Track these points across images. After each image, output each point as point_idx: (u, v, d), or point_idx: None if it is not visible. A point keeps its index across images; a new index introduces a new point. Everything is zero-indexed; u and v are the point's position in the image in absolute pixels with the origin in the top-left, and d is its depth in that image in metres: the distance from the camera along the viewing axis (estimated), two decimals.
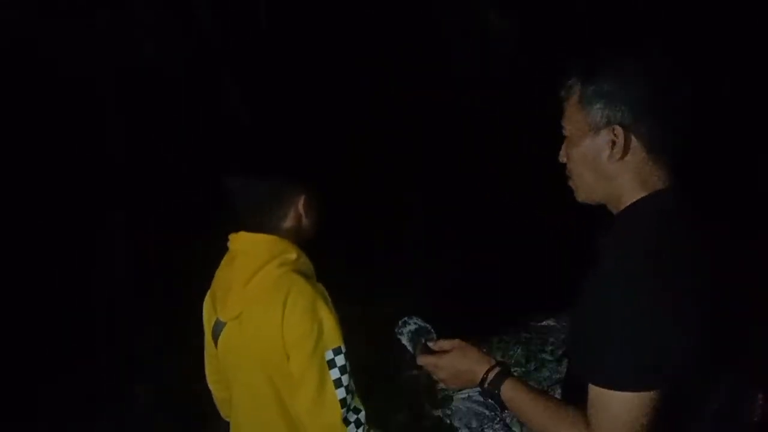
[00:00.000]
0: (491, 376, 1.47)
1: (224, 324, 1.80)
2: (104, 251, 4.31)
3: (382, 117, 4.98)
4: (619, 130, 1.33)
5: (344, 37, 4.97)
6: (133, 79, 4.20)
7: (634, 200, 1.36)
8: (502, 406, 1.47)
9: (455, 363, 1.53)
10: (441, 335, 1.62)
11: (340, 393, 1.67)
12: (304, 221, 1.79)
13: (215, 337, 1.84)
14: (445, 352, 1.56)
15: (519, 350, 4.10)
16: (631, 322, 1.22)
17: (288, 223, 1.77)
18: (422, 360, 1.58)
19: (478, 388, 1.52)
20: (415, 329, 1.65)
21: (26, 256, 4.14)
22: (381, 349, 3.84)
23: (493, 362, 1.50)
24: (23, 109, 4.12)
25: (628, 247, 1.31)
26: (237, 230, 1.80)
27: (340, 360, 1.69)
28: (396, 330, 1.69)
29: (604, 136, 1.35)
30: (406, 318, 1.68)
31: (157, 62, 4.26)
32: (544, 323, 4.38)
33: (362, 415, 1.72)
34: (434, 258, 4.80)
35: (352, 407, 1.70)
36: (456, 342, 1.56)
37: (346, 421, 1.68)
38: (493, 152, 4.88)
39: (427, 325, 1.66)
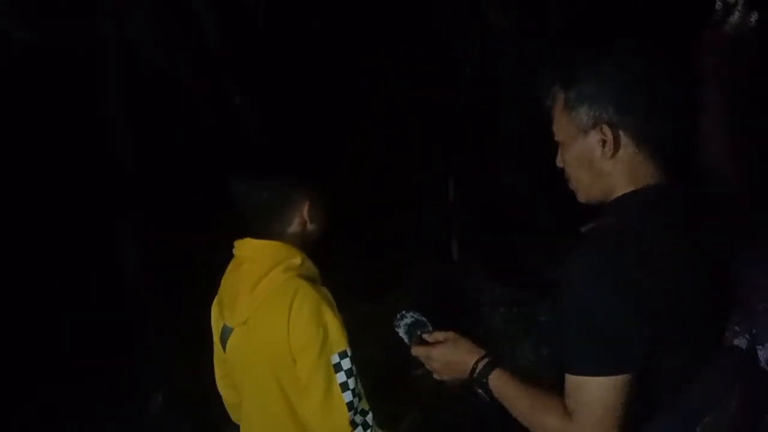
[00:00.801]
0: (480, 366, 1.50)
1: (232, 329, 1.82)
2: (119, 255, 4.33)
3: (382, 117, 4.99)
4: (606, 128, 1.36)
5: (344, 36, 4.98)
6: (137, 81, 4.21)
7: (620, 194, 1.40)
8: (491, 397, 1.48)
9: (447, 353, 1.56)
10: (437, 328, 1.65)
11: (347, 396, 1.69)
12: (309, 226, 1.81)
13: (223, 343, 1.86)
14: (439, 343, 1.59)
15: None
16: (592, 311, 1.26)
17: (293, 228, 1.79)
18: (416, 351, 1.61)
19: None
20: (412, 322, 1.68)
21: (42, 259, 4.18)
22: (389, 348, 3.86)
23: (483, 353, 1.52)
24: (28, 112, 4.15)
25: (598, 237, 1.35)
26: (243, 236, 1.82)
27: (346, 363, 1.70)
28: (394, 323, 1.71)
29: (594, 137, 1.38)
30: (403, 311, 1.71)
31: (159, 64, 4.27)
32: None
33: (369, 418, 1.74)
34: (442, 256, 4.81)
35: (359, 410, 1.72)
36: (450, 334, 1.59)
37: (353, 424, 1.70)
38: (495, 150, 4.88)
39: (424, 319, 1.68)
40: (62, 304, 4.10)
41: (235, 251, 1.85)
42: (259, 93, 4.65)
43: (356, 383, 1.72)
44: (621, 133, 1.37)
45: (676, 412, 1.33)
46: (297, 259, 1.76)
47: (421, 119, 4.91)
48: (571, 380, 1.30)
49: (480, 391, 1.50)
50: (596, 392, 1.26)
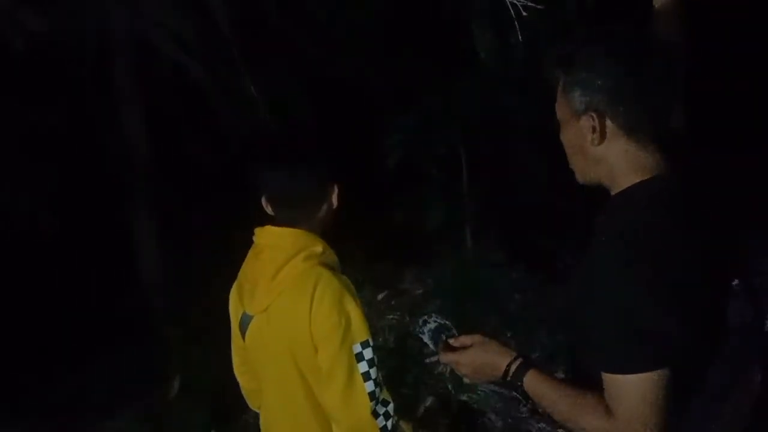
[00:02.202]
0: (513, 368, 1.48)
1: (252, 317, 1.81)
2: (134, 244, 4.36)
3: (399, 108, 4.97)
4: (595, 115, 1.37)
5: (356, 29, 4.96)
6: (151, 74, 4.22)
7: (628, 185, 1.40)
8: (527, 398, 1.48)
9: (477, 358, 1.54)
10: (461, 331, 1.62)
11: (369, 386, 1.68)
12: (332, 211, 1.81)
13: (243, 330, 1.86)
14: (466, 347, 1.57)
15: None
16: (627, 308, 1.27)
17: (321, 213, 1.79)
18: (444, 357, 1.59)
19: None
20: (435, 327, 1.64)
21: (58, 251, 4.21)
22: (404, 335, 3.87)
23: (515, 354, 1.50)
24: (41, 105, 4.16)
25: (621, 234, 1.35)
26: (262, 224, 1.80)
27: (368, 353, 1.70)
28: (416, 329, 1.68)
29: (585, 122, 1.40)
30: (425, 316, 1.67)
31: (174, 57, 4.27)
32: None
33: (391, 407, 1.73)
34: (456, 243, 4.79)
35: (380, 400, 1.71)
36: (477, 337, 1.57)
37: (375, 414, 1.69)
38: (514, 140, 4.85)
39: (447, 322, 1.65)
40: (79, 292, 4.13)
41: (255, 239, 1.84)
42: (273, 87, 4.64)
43: (378, 373, 1.71)
44: (609, 121, 1.37)
45: (702, 393, 1.36)
46: (318, 247, 1.75)
47: (437, 107, 4.87)
48: (611, 379, 1.30)
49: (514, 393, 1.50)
50: (637, 389, 1.27)
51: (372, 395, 1.68)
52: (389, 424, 1.72)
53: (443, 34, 5.03)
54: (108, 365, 3.81)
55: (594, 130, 1.38)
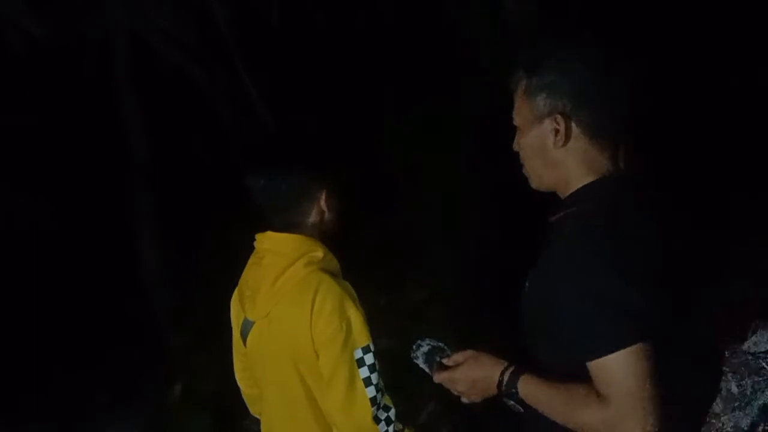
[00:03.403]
0: (506, 377, 1.46)
1: (253, 323, 1.81)
2: (136, 248, 4.36)
3: (401, 110, 4.98)
4: (560, 118, 1.40)
5: (357, 30, 4.97)
6: (150, 74, 4.22)
7: (582, 185, 1.44)
8: (525, 407, 1.45)
9: (470, 373, 1.52)
10: (455, 350, 1.60)
11: (370, 391, 1.68)
12: (327, 216, 1.79)
13: (244, 336, 1.86)
14: (459, 365, 1.55)
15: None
16: (600, 291, 1.30)
17: (312, 219, 1.77)
18: (438, 377, 1.57)
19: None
20: (429, 350, 1.63)
21: (60, 255, 4.21)
22: (405, 340, 3.85)
23: (506, 363, 1.49)
24: (41, 106, 4.17)
25: (582, 224, 1.39)
26: (263, 229, 1.81)
27: (369, 358, 1.70)
28: (411, 355, 1.66)
29: (548, 125, 1.43)
30: (419, 341, 1.66)
31: (173, 57, 4.28)
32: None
33: (392, 413, 1.73)
34: (459, 246, 4.79)
35: (382, 405, 1.71)
36: (469, 353, 1.55)
37: (376, 419, 1.69)
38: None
39: (440, 344, 1.63)
40: (81, 296, 4.14)
41: (256, 244, 1.84)
42: (273, 87, 4.65)
43: (379, 378, 1.71)
44: (574, 124, 1.41)
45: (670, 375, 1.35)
46: (319, 252, 1.75)
47: (440, 110, 4.88)
48: (595, 365, 1.31)
49: (512, 402, 1.47)
50: (623, 367, 1.28)
51: (373, 401, 1.68)
52: (391, 429, 1.72)
53: (444, 35, 5.04)
54: (109, 370, 3.80)
55: (557, 132, 1.41)
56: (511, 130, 1.56)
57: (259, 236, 1.82)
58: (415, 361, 1.66)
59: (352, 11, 4.92)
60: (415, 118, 4.98)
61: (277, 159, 1.79)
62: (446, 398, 3.44)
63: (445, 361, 1.59)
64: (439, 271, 4.47)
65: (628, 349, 1.27)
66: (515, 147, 1.54)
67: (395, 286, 4.33)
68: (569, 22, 4.62)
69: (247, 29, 4.48)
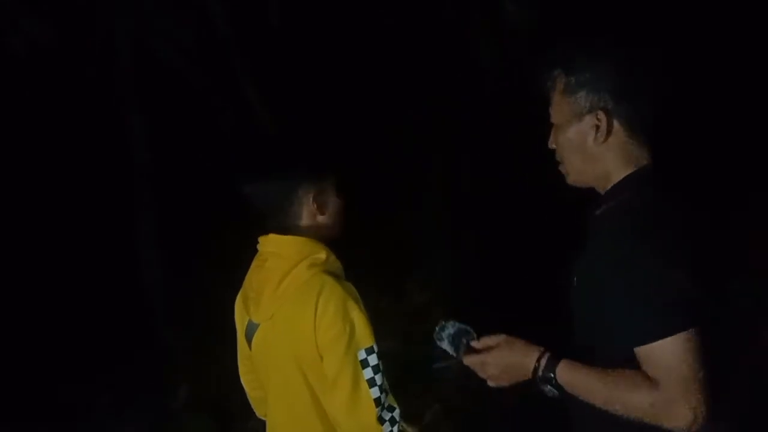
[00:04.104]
0: (543, 362, 1.46)
1: (257, 325, 1.82)
2: (139, 252, 4.37)
3: (401, 112, 4.99)
4: (602, 114, 1.44)
5: (356, 33, 4.98)
6: (149, 79, 4.24)
7: (621, 177, 1.47)
8: (560, 392, 1.45)
9: (503, 357, 1.52)
10: (481, 335, 1.60)
11: (374, 392, 1.68)
12: (320, 218, 1.78)
13: (249, 338, 1.86)
14: (490, 348, 1.55)
15: None
16: (651, 274, 1.33)
17: (305, 221, 1.77)
18: (468, 360, 1.56)
19: None
20: (455, 332, 1.62)
21: (63, 257, 4.23)
22: (411, 340, 3.87)
23: (542, 349, 1.48)
24: (43, 110, 4.19)
25: (627, 212, 1.43)
26: (266, 232, 1.81)
27: (373, 359, 1.69)
28: (435, 336, 1.65)
29: (588, 122, 1.46)
30: (443, 322, 1.65)
31: (173, 62, 4.29)
32: None
33: (396, 413, 1.73)
34: (461, 248, 4.80)
35: (386, 406, 1.71)
36: (501, 337, 1.55)
37: (380, 420, 1.69)
38: (517, 144, 4.86)
39: (466, 326, 1.62)
40: (85, 300, 4.15)
41: (259, 247, 1.84)
42: (271, 89, 4.66)
43: (383, 379, 1.71)
44: (614, 120, 1.45)
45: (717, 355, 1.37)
46: (322, 254, 1.75)
47: (438, 112, 4.89)
48: (646, 350, 1.33)
49: (548, 387, 1.47)
50: (674, 351, 1.31)
51: (377, 401, 1.68)
52: (395, 429, 1.71)
53: (446, 38, 5.05)
54: (114, 374, 3.81)
55: (598, 128, 1.45)
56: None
57: (261, 239, 1.82)
58: (438, 342, 1.65)
59: (352, 12, 4.93)
60: (417, 119, 4.98)
61: (262, 164, 1.80)
62: (450, 400, 3.47)
63: (473, 343, 1.58)
64: (441, 273, 4.49)
65: (680, 335, 1.30)
66: (551, 145, 1.56)
67: (397, 289, 4.34)
68: (569, 23, 4.62)
69: (247, 30, 4.50)
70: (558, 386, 1.44)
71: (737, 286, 1.58)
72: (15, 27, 3.57)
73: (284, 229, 1.77)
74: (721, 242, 1.55)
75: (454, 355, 1.61)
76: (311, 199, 1.76)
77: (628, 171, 1.47)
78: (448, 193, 5.01)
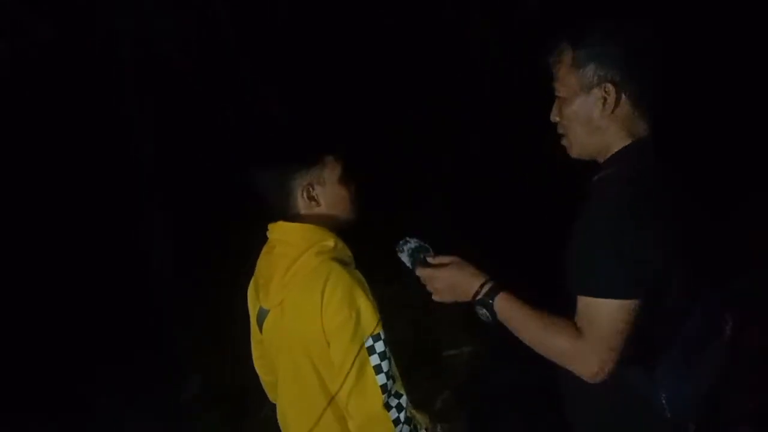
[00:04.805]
0: (486, 288, 1.54)
1: (267, 311, 1.84)
2: (147, 244, 4.39)
3: (401, 112, 5.01)
4: (610, 87, 1.49)
5: (356, 33, 5.00)
6: (156, 74, 4.26)
7: (620, 147, 1.52)
8: (493, 319, 1.53)
9: (452, 275, 1.61)
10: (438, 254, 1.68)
11: (381, 379, 1.69)
12: (317, 208, 1.80)
13: (260, 324, 1.89)
14: (443, 265, 1.63)
15: None
16: (617, 238, 1.39)
17: (304, 210, 1.79)
18: (420, 272, 1.65)
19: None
20: (416, 247, 1.72)
21: (74, 253, 4.26)
22: (421, 329, 3.89)
23: (488, 277, 1.57)
24: (51, 108, 4.22)
25: (617, 180, 1.47)
26: (275, 219, 1.83)
27: (380, 346, 1.70)
28: (396, 248, 1.75)
29: (596, 94, 1.51)
30: (406, 237, 1.75)
31: (176, 57, 4.31)
32: None
33: (404, 400, 1.74)
34: (471, 238, 4.81)
35: (393, 392, 1.72)
36: (455, 258, 1.64)
37: (387, 406, 1.70)
38: (517, 144, 4.88)
39: (426, 245, 1.72)
40: (95, 295, 4.17)
41: (268, 234, 1.87)
42: (278, 85, 4.68)
43: (390, 366, 1.72)
44: (622, 93, 1.49)
45: (679, 340, 1.48)
46: (330, 241, 1.77)
47: (442, 105, 4.91)
48: (588, 302, 1.41)
49: (483, 311, 1.55)
50: (609, 313, 1.37)
51: (384, 388, 1.69)
52: (402, 416, 1.72)
53: (446, 38, 5.07)
54: (125, 365, 3.82)
55: (605, 101, 1.49)
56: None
57: (270, 226, 1.84)
58: (399, 254, 1.74)
59: (352, 12, 4.96)
60: (417, 119, 4.99)
61: (259, 153, 1.84)
62: (461, 387, 3.48)
63: (429, 259, 1.67)
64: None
65: (623, 301, 1.37)
66: (554, 118, 1.61)
67: (410, 279, 4.34)
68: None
69: (247, 30, 4.52)
70: (493, 313, 1.52)
71: (715, 277, 1.64)
72: (15, 27, 3.60)
73: (294, 217, 1.80)
74: (711, 230, 1.61)
75: (410, 267, 1.71)
76: (303, 187, 1.77)
77: (627, 141, 1.53)
78: (459, 184, 5.02)
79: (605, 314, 1.38)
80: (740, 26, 5.03)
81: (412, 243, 1.73)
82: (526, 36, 5.00)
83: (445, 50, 5.16)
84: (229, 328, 2.63)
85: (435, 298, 1.64)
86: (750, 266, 3.45)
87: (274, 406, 2.05)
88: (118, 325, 4.04)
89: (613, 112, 1.51)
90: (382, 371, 1.69)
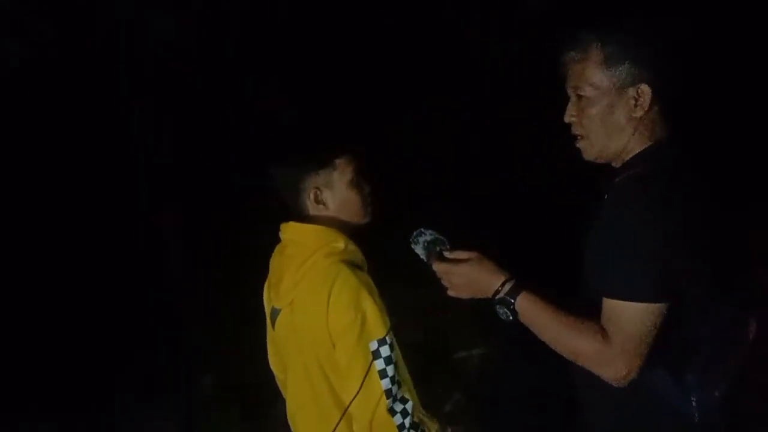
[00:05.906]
0: (507, 287, 1.49)
1: (279, 310, 1.84)
2: (164, 244, 4.39)
3: (401, 112, 5.01)
4: (646, 88, 1.42)
5: (356, 33, 5.00)
6: (168, 75, 4.26)
7: (640, 149, 1.47)
8: (514, 318, 1.49)
9: (471, 271, 1.54)
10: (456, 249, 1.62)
11: (385, 384, 1.67)
12: (326, 210, 1.79)
13: (273, 322, 1.89)
14: (462, 260, 1.57)
15: None
16: (644, 241, 1.35)
17: (312, 211, 1.79)
18: (438, 266, 1.59)
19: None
20: (431, 239, 1.65)
21: (90, 254, 4.26)
22: (433, 331, 3.88)
23: (510, 275, 1.52)
24: (62, 108, 4.21)
25: (642, 181, 1.42)
26: (287, 219, 1.83)
27: (385, 351, 1.68)
28: (410, 239, 1.68)
29: (630, 93, 1.43)
30: (421, 228, 1.67)
31: (177, 57, 4.31)
32: None
33: (409, 405, 1.72)
34: (484, 241, 4.81)
35: (398, 397, 1.70)
36: (474, 253, 1.57)
37: (392, 411, 1.68)
38: (517, 144, 4.88)
39: (443, 237, 1.65)
40: (111, 295, 4.18)
41: (280, 234, 1.87)
42: (269, 90, 4.67)
43: (395, 371, 1.70)
44: (653, 92, 1.43)
45: (704, 347, 1.45)
46: (340, 243, 1.76)
47: (447, 106, 4.92)
48: (614, 305, 1.37)
49: (504, 310, 1.50)
50: (638, 317, 1.35)
51: (388, 393, 1.67)
52: (407, 421, 1.70)
53: (446, 38, 5.07)
54: (141, 365, 3.84)
55: (637, 101, 1.43)
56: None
57: (282, 226, 1.85)
58: (412, 246, 1.67)
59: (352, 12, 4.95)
60: (417, 119, 4.99)
61: (268, 155, 1.82)
62: (472, 389, 3.46)
63: (446, 253, 1.61)
64: None
65: (650, 305, 1.34)
66: (569, 118, 1.52)
67: (421, 281, 4.34)
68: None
69: (248, 30, 4.52)
70: (514, 312, 1.48)
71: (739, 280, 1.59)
72: (16, 27, 3.59)
73: (303, 218, 1.80)
74: (733, 235, 1.56)
75: (425, 260, 1.64)
76: (311, 188, 1.77)
77: (648, 144, 1.47)
78: (472, 186, 5.01)
79: (632, 318, 1.35)
80: (741, 26, 5.03)
81: (428, 235, 1.66)
82: (526, 36, 5.00)
83: (445, 50, 5.16)
84: (242, 327, 2.62)
85: (451, 293, 1.59)
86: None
87: (284, 406, 2.04)
88: (133, 325, 4.06)
89: (644, 113, 1.44)
90: (387, 376, 1.68)
